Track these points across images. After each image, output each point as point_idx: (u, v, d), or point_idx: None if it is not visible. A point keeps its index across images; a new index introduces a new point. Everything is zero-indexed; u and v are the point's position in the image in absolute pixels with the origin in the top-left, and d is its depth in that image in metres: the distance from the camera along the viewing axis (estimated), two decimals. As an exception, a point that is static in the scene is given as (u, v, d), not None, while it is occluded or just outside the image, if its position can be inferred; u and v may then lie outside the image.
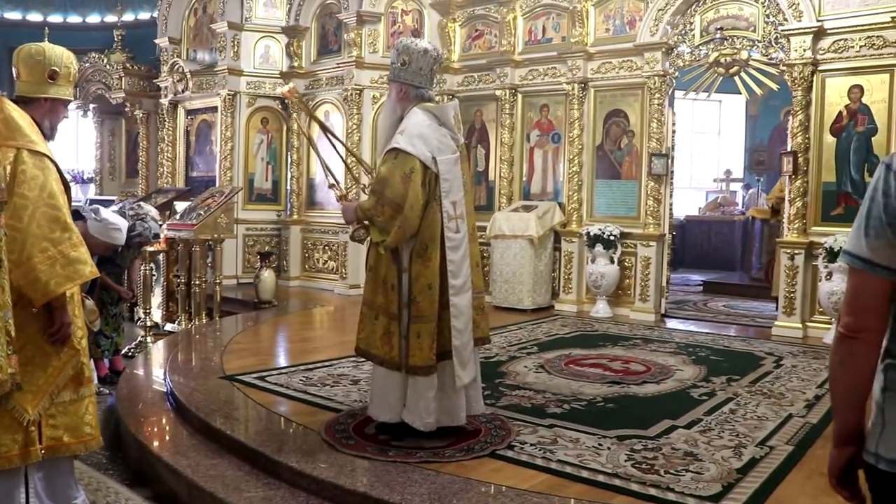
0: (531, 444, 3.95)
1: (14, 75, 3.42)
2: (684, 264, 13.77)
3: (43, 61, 3.33)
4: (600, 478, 3.51)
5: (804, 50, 7.49)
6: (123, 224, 5.60)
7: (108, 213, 5.60)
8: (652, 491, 3.36)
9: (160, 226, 6.57)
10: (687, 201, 15.31)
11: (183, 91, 11.71)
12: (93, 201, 12.13)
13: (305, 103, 8.98)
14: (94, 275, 3.36)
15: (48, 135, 3.39)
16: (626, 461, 3.73)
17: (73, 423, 3.33)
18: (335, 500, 3.39)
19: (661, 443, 4.04)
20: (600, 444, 3.98)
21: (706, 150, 16.30)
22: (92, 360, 5.89)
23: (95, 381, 5.76)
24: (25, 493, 3.34)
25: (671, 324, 8.33)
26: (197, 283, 8.25)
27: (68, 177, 4.02)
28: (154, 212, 6.84)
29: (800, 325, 7.58)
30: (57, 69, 3.35)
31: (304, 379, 5.34)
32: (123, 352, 6.83)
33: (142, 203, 7.03)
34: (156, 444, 4.30)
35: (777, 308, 8.06)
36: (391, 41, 10.43)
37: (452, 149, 3.98)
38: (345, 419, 4.33)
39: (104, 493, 3.94)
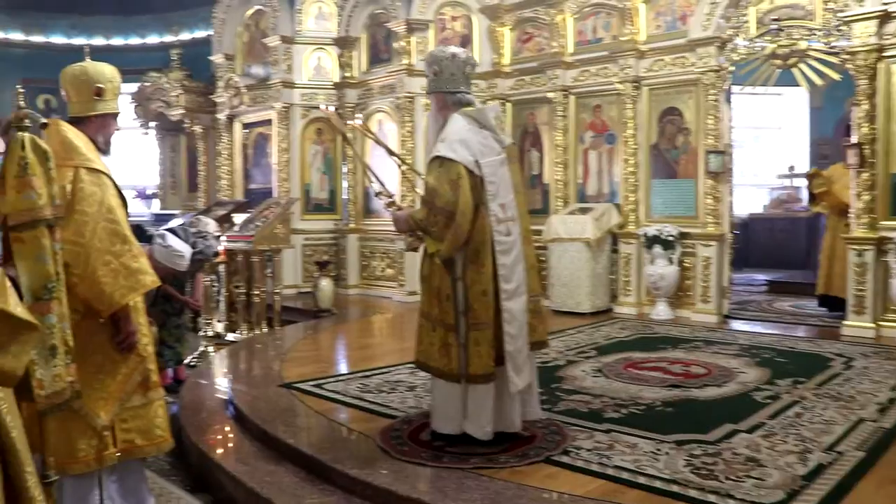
0: (587, 450, 3.88)
1: (64, 98, 3.52)
2: (749, 264, 13.44)
3: (88, 80, 3.43)
4: (657, 484, 3.43)
5: (868, 36, 7.23)
6: (188, 252, 5.75)
7: (175, 241, 5.77)
8: (711, 497, 3.26)
9: (219, 238, 6.66)
10: (750, 199, 14.96)
11: (238, 105, 11.92)
12: (156, 216, 12.45)
13: (341, 124, 9.07)
14: (156, 284, 3.47)
15: (103, 149, 3.50)
16: (684, 467, 3.64)
17: (145, 426, 3.46)
18: (389, 507, 3.39)
19: (722, 447, 3.93)
20: (658, 450, 3.89)
21: (768, 146, 15.91)
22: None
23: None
24: (100, 497, 3.45)
25: (734, 325, 8.13)
26: (256, 293, 8.37)
27: (132, 192, 4.14)
28: (213, 225, 6.97)
29: (871, 325, 7.31)
30: (102, 85, 3.45)
31: (361, 386, 5.36)
32: (186, 362, 6.95)
33: (200, 217, 7.15)
34: (216, 451, 4.36)
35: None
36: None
37: (496, 150, 3.94)
38: (400, 425, 4.32)
39: (167, 499, 4.01)
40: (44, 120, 2.62)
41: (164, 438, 3.55)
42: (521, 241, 3.94)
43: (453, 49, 4.11)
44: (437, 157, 3.84)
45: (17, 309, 1.78)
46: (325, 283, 9.37)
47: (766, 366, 5.93)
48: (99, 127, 3.49)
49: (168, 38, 15.00)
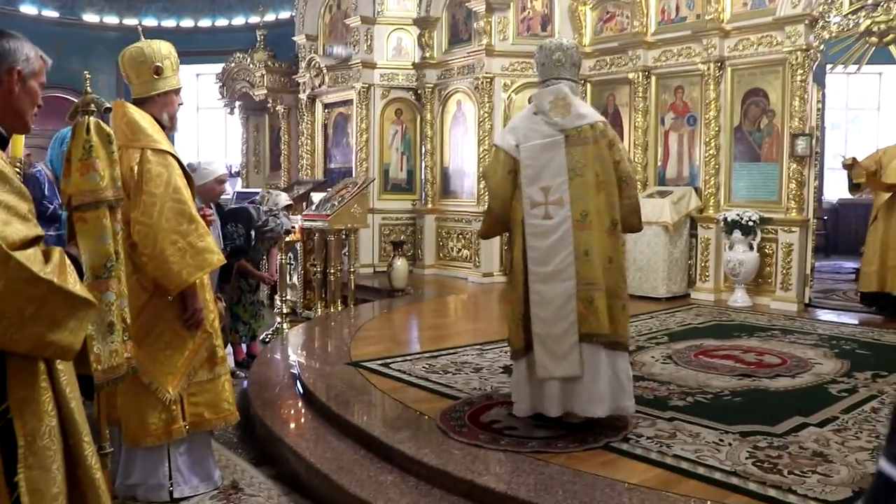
0: (647, 438, 3.83)
1: (126, 81, 3.62)
2: (838, 251, 12.96)
3: (146, 61, 3.52)
4: (717, 475, 3.35)
5: (970, 13, 6.85)
6: (216, 162, 5.90)
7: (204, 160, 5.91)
8: (771, 492, 3.17)
9: (289, 215, 6.79)
10: (842, 183, 14.35)
11: (320, 86, 12.11)
12: (240, 194, 12.77)
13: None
14: (222, 262, 3.59)
15: (168, 126, 3.61)
16: (746, 459, 3.55)
17: (213, 400, 3.62)
18: (443, 487, 3.42)
19: (789, 441, 3.81)
20: (721, 440, 3.81)
21: (865, 128, 15.21)
22: (230, 344, 6.28)
23: (232, 364, 6.12)
24: (168, 469, 3.60)
25: (815, 314, 7.85)
26: (332, 271, 8.51)
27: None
28: (283, 196, 7.11)
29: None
30: (160, 63, 3.53)
31: (427, 366, 5.40)
32: (261, 338, 7.15)
33: (271, 191, 7.31)
34: (280, 425, 4.47)
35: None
36: (521, 28, 10.38)
37: (543, 134, 3.92)
38: (461, 407, 4.35)
39: (232, 470, 4.14)
40: (108, 104, 2.72)
41: (231, 412, 3.72)
42: (574, 226, 3.81)
43: (546, 41, 4.20)
44: (493, 145, 4.07)
45: (76, 286, 1.86)
46: (400, 263, 9.46)
47: (844, 357, 5.72)
48: (162, 105, 3.58)
49: (253, 20, 15.26)
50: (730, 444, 3.74)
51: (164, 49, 3.57)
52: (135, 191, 3.32)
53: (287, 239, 8.10)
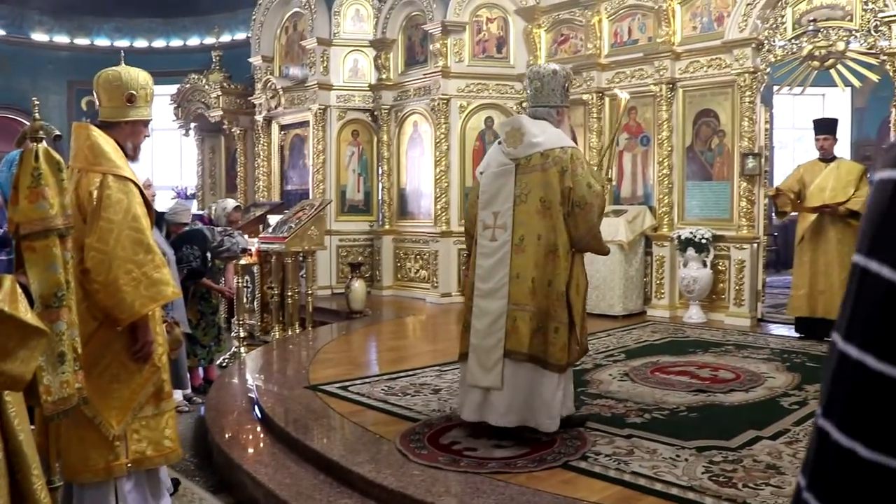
0: (606, 455, 3.87)
1: (95, 101, 3.55)
2: (787, 266, 13.21)
3: (121, 86, 3.44)
4: (674, 491, 3.40)
5: (907, 37, 7.10)
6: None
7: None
8: (727, 505, 3.23)
9: (243, 234, 6.68)
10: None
11: (276, 107, 12.09)
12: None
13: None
14: (177, 295, 3.52)
15: (131, 155, 3.51)
16: (702, 473, 3.61)
17: (156, 437, 3.46)
18: (404, 510, 3.42)
19: (743, 454, 3.89)
20: (678, 456, 3.86)
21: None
22: (188, 368, 6.18)
23: (189, 389, 6.03)
24: (116, 501, 3.51)
25: (767, 329, 8.03)
26: (289, 294, 8.46)
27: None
28: (230, 201, 7.04)
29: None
30: (134, 92, 3.45)
31: (386, 389, 5.39)
32: (217, 362, 7.07)
33: (217, 200, 7.20)
34: (238, 451, 4.43)
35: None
36: (476, 50, 10.49)
37: (499, 162, 4.17)
38: (421, 429, 4.35)
39: (189, 499, 4.10)
40: (58, 132, 2.69)
41: (173, 450, 3.55)
42: (513, 250, 4.00)
43: (531, 69, 4.39)
44: None
45: (27, 315, 1.84)
46: (358, 285, 9.44)
47: (795, 370, 5.85)
48: (129, 134, 3.50)
49: (209, 41, 15.21)
50: (686, 460, 3.80)
51: (141, 78, 3.51)
52: (92, 216, 3.23)
53: (243, 262, 8.06)
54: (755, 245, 8.26)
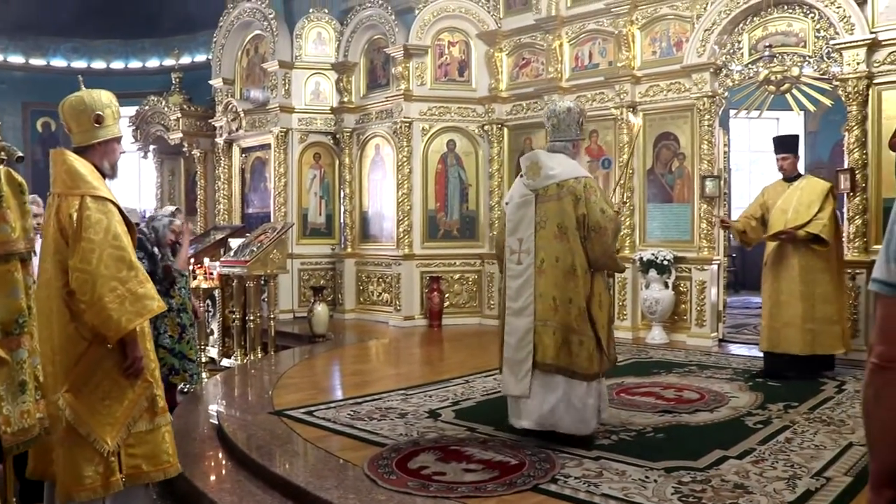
0: (575, 478, 3.86)
1: (66, 129, 3.57)
2: (746, 287, 13.44)
3: (86, 110, 3.48)
4: (644, 512, 3.41)
5: (858, 63, 7.30)
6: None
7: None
8: (697, 526, 3.24)
9: (173, 220, 6.39)
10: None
11: (237, 130, 12.00)
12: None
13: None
14: (162, 309, 3.51)
15: (109, 174, 3.57)
16: (672, 494, 3.62)
17: (152, 452, 3.48)
18: (373, 537, 3.37)
19: (711, 474, 3.91)
20: (647, 477, 3.87)
21: (766, 169, 15.92)
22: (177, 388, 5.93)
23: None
24: None
25: (729, 349, 8.12)
26: (251, 318, 8.37)
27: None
28: (168, 208, 6.84)
29: (864, 348, 7.29)
30: (100, 112, 3.49)
31: (351, 413, 5.34)
32: (180, 388, 6.92)
33: (158, 215, 6.87)
34: (201, 479, 4.33)
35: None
36: (438, 73, 10.54)
37: (521, 194, 4.62)
38: (388, 454, 4.31)
39: (152, 530, 3.98)
40: (20, 154, 2.63)
41: (171, 464, 3.57)
42: (535, 272, 4.45)
43: (549, 106, 4.81)
44: None
45: None
46: (321, 309, 9.36)
47: (758, 390, 5.92)
48: (103, 153, 3.54)
49: (168, 63, 15.07)
50: (655, 481, 3.81)
51: (104, 98, 3.54)
52: (74, 238, 3.26)
53: (205, 286, 7.93)
54: (715, 266, 8.38)
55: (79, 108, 3.49)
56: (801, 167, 13.75)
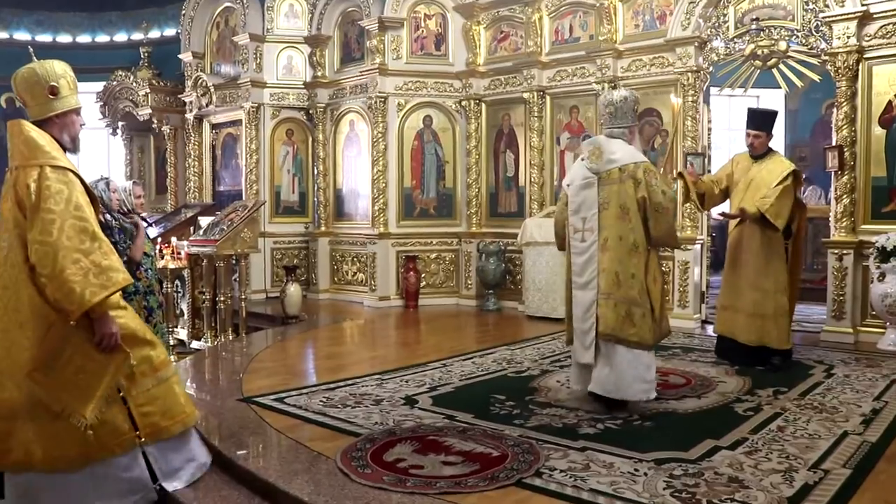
0: (561, 471, 3.64)
1: (20, 104, 3.46)
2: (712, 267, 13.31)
3: (39, 81, 3.38)
4: (636, 509, 3.19)
5: (848, 37, 7.10)
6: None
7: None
8: (693, 525, 3.03)
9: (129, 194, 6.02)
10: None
11: (207, 105, 11.63)
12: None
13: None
14: (128, 281, 3.38)
15: (70, 147, 3.48)
16: (664, 489, 3.41)
17: (165, 406, 3.53)
18: (346, 538, 3.13)
19: (703, 467, 3.71)
20: (636, 470, 3.66)
21: (743, 147, 15.78)
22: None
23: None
24: (149, 466, 3.55)
25: (713, 330, 7.92)
26: (222, 299, 8.08)
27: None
28: (125, 184, 6.44)
29: (850, 330, 7.17)
30: (55, 83, 3.39)
31: (324, 400, 5.09)
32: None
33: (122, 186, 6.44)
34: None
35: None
36: (415, 47, 10.22)
37: (583, 176, 4.89)
38: (363, 444, 4.06)
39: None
40: None
41: (188, 413, 3.67)
42: (600, 248, 4.75)
43: (604, 95, 5.13)
44: None
45: None
46: (294, 289, 9.07)
47: (745, 374, 5.74)
48: (62, 126, 3.44)
49: (137, 36, 14.57)
50: (645, 474, 3.60)
51: (58, 68, 3.43)
52: (32, 210, 3.16)
53: (172, 266, 7.63)
54: (699, 246, 8.19)
55: (31, 80, 3.38)
56: (781, 146, 13.69)
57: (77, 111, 3.51)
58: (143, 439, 3.43)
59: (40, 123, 3.38)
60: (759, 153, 6.17)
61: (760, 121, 6.19)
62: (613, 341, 4.67)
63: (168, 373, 3.59)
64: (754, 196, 5.92)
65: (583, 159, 4.97)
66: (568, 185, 5.04)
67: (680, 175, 6.45)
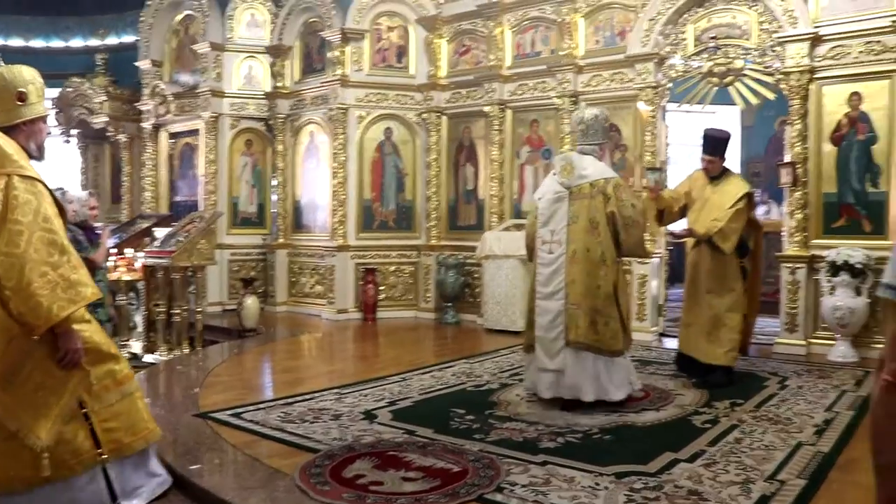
0: (522, 486, 3.63)
1: None
2: (682, 279, 13.45)
3: (7, 86, 3.28)
4: (597, 525, 3.19)
5: (801, 57, 7.26)
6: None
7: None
8: (654, 540, 3.04)
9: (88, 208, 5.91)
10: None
11: (165, 114, 11.48)
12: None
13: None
14: (97, 296, 3.30)
15: (36, 156, 3.38)
16: (625, 503, 3.42)
17: (129, 422, 3.45)
18: (305, 557, 3.08)
19: (663, 480, 3.73)
20: (597, 484, 3.66)
21: (698, 164, 16.02)
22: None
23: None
24: (108, 486, 3.42)
25: (670, 343, 8.01)
26: (177, 311, 7.95)
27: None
28: (80, 195, 6.33)
29: (803, 342, 7.30)
30: (23, 89, 3.29)
31: (282, 415, 5.02)
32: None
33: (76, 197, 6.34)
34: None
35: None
36: (376, 59, 10.21)
37: (554, 190, 5.16)
38: (321, 461, 4.01)
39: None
40: None
41: (150, 430, 3.59)
42: (567, 261, 5.00)
43: (576, 113, 5.41)
44: None
45: None
46: (251, 302, 8.97)
47: (702, 387, 5.79)
48: (29, 134, 3.34)
49: (93, 42, 14.36)
50: (606, 488, 3.60)
51: (26, 74, 3.34)
52: None
53: (127, 277, 7.49)
54: (657, 259, 8.28)
55: None
56: (736, 162, 13.92)
57: (44, 119, 3.44)
58: (105, 456, 3.34)
59: (6, 130, 3.28)
60: (715, 175, 6.16)
61: (713, 146, 6.14)
62: (583, 349, 4.93)
63: (132, 387, 3.52)
64: (708, 216, 5.93)
65: (554, 174, 5.22)
66: (539, 199, 5.27)
67: (645, 189, 6.48)
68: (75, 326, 3.22)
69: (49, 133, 3.52)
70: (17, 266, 2.99)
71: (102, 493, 3.40)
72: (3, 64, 3.40)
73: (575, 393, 4.99)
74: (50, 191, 3.25)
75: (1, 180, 3.08)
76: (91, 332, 3.38)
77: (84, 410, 3.31)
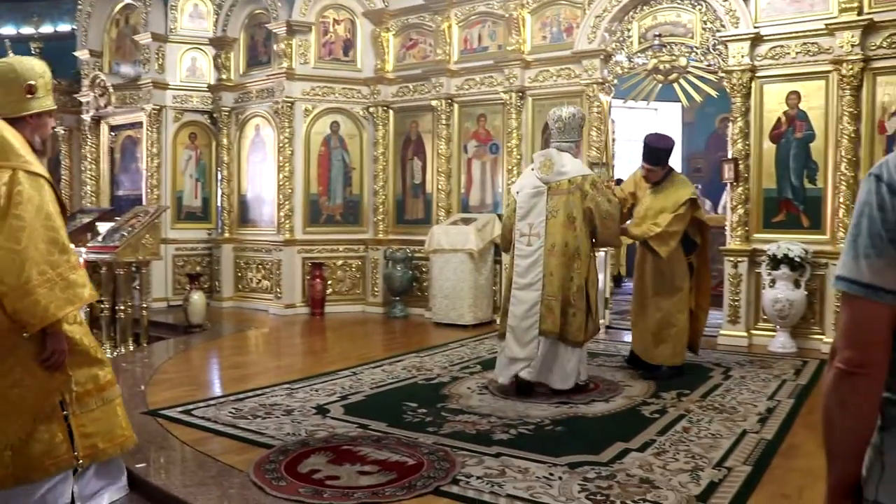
0: (477, 478, 3.67)
1: None
2: (629, 273, 13.68)
3: (17, 78, 3.23)
4: (553, 513, 3.25)
5: (742, 56, 7.44)
6: None
7: None
8: (609, 527, 3.11)
9: None
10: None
11: (105, 106, 11.20)
12: None
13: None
14: (94, 297, 3.29)
15: (39, 150, 3.34)
16: (579, 492, 3.48)
17: (106, 428, 3.39)
18: (263, 553, 3.07)
19: (615, 469, 3.81)
20: (551, 474, 3.72)
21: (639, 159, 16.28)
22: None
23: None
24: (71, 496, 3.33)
25: (616, 336, 8.17)
26: (122, 308, 7.79)
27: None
28: None
29: (745, 334, 7.50)
30: (33, 82, 3.24)
31: (233, 411, 4.97)
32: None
33: None
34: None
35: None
36: (323, 52, 10.14)
37: (533, 185, 5.38)
38: (276, 456, 3.99)
39: (5, 552, 3.53)
40: None
41: (126, 437, 3.49)
42: (545, 253, 5.22)
43: (553, 110, 5.59)
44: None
45: None
46: (197, 297, 8.85)
47: (650, 378, 5.91)
48: (35, 127, 3.30)
49: (27, 30, 13.96)
50: (560, 478, 3.66)
51: (37, 67, 3.30)
52: (1, 214, 2.98)
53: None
54: (603, 253, 8.39)
55: (8, 76, 3.22)
56: (678, 157, 14.14)
57: (50, 113, 3.39)
58: (80, 461, 3.27)
59: (12, 122, 3.23)
60: (656, 181, 6.06)
61: (656, 157, 6.00)
62: (556, 338, 5.18)
63: (113, 394, 3.45)
64: (653, 217, 5.86)
65: (533, 169, 5.43)
66: (517, 192, 5.47)
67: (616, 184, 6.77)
68: (66, 327, 3.17)
69: (54, 128, 3.46)
70: (17, 262, 2.96)
71: (66, 497, 3.30)
72: (12, 55, 3.30)
73: (540, 378, 5.25)
74: (53, 187, 3.21)
75: (6, 174, 3.04)
76: (81, 334, 3.32)
77: (65, 413, 3.24)
